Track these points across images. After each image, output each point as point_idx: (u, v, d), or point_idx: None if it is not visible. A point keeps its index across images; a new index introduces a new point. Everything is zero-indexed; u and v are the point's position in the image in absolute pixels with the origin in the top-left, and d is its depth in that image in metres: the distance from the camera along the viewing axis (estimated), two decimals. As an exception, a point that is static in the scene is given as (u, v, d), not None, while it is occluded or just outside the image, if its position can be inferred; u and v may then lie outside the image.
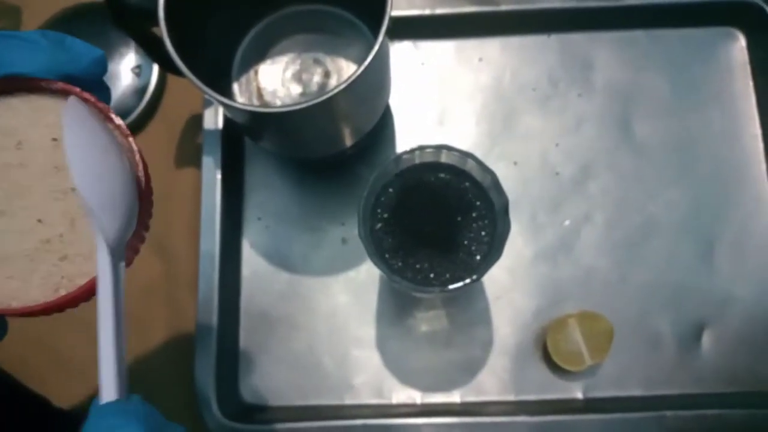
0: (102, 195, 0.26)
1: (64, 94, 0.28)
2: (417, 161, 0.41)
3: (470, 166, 0.40)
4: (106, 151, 0.27)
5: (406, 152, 0.40)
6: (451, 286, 0.38)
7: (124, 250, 0.29)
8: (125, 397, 0.25)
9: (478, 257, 0.40)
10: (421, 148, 0.40)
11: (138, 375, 0.51)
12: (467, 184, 0.41)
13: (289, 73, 0.49)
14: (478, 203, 0.40)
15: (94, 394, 0.51)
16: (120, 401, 0.24)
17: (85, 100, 0.28)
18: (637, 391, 0.49)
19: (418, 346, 0.50)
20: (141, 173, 0.30)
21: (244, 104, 0.47)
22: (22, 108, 0.28)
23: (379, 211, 0.41)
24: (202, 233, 0.50)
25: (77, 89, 0.28)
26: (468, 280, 0.38)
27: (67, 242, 0.28)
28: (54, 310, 0.29)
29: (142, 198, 0.30)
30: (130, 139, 0.29)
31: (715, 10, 0.54)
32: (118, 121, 0.29)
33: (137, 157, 0.30)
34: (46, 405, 0.51)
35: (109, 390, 0.25)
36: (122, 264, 0.28)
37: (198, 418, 0.48)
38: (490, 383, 0.49)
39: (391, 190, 0.41)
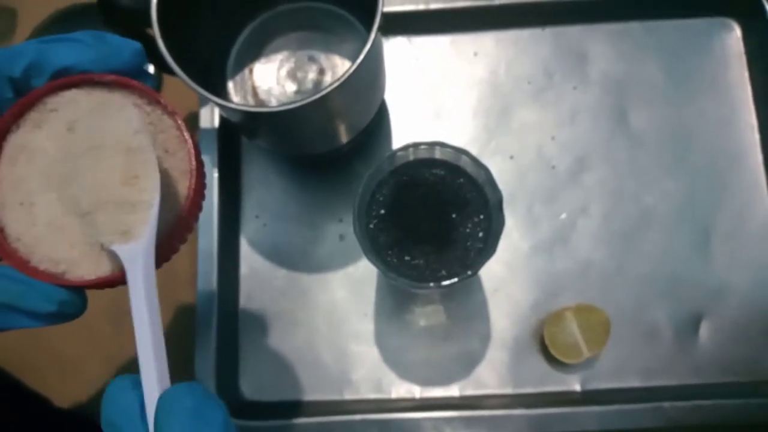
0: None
1: (117, 84, 0.29)
2: (411, 158, 0.41)
3: (464, 162, 0.40)
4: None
5: (400, 149, 0.40)
6: (446, 282, 0.38)
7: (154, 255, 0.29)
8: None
9: (473, 253, 0.40)
10: (416, 144, 0.40)
11: (135, 372, 0.52)
12: (462, 180, 0.41)
13: (284, 71, 0.49)
14: (472, 199, 0.40)
15: (94, 394, 0.52)
16: (191, 383, 0.24)
17: (134, 87, 0.29)
18: (634, 383, 0.49)
19: (417, 340, 0.50)
20: (193, 165, 0.30)
21: (238, 104, 0.47)
22: (83, 100, 0.29)
23: (374, 208, 0.41)
24: (200, 231, 0.50)
25: (127, 78, 0.29)
26: (463, 276, 0.38)
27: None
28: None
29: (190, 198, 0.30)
30: (179, 121, 0.30)
31: (710, 1, 0.54)
32: (165, 102, 0.30)
33: (190, 148, 0.30)
34: (46, 405, 0.51)
35: (163, 380, 0.26)
36: (153, 269, 0.29)
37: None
38: (489, 377, 0.50)
39: (386, 187, 0.41)
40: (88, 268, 0.29)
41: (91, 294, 0.54)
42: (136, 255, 0.27)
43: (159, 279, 0.53)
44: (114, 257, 0.28)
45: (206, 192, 0.49)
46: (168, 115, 0.30)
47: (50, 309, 0.28)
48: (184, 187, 0.30)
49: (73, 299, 0.29)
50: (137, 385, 0.25)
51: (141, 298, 0.28)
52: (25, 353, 0.52)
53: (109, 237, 0.28)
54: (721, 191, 0.52)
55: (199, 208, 0.31)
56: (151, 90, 0.30)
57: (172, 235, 0.30)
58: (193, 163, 0.30)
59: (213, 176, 0.51)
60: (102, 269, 0.29)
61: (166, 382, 0.25)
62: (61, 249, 0.29)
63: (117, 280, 0.29)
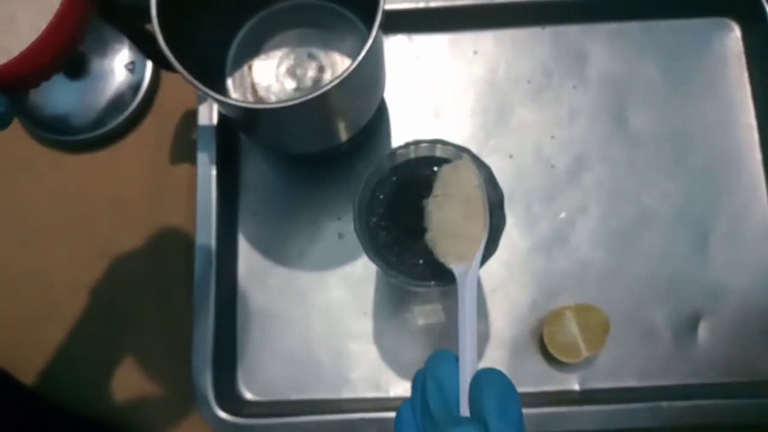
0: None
1: None
2: (412, 156, 0.41)
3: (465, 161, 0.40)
4: None
5: (400, 147, 0.40)
6: (446, 281, 0.38)
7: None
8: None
9: (473, 251, 0.40)
10: (416, 142, 0.40)
11: (135, 371, 0.52)
12: (463, 178, 0.41)
13: (283, 68, 0.49)
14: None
15: (93, 394, 0.52)
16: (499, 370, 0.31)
17: None
18: (633, 382, 0.49)
19: (415, 339, 0.50)
20: None
21: (236, 100, 0.47)
22: None
23: (374, 206, 0.41)
24: (198, 229, 0.50)
25: None
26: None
27: None
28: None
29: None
30: None
31: (710, 1, 0.54)
32: None
33: None
34: (46, 405, 0.51)
35: (474, 362, 0.32)
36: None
37: (196, 413, 0.48)
38: (487, 376, 0.49)
39: (386, 185, 0.41)
40: None
41: (89, 292, 0.54)
42: (466, 272, 0.37)
43: (155, 276, 0.53)
44: (7, 50, 0.32)
45: (204, 189, 0.50)
46: None
47: None
48: None
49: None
50: (457, 360, 0.32)
51: (466, 302, 0.36)
52: (24, 353, 0.52)
53: (448, 258, 0.38)
54: (719, 191, 0.52)
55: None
56: None
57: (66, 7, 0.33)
58: None
59: (211, 173, 0.51)
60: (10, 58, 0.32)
61: (476, 364, 0.32)
62: None
63: (27, 63, 0.32)
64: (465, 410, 0.30)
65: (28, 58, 0.32)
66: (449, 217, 0.38)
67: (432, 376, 0.31)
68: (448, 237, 0.38)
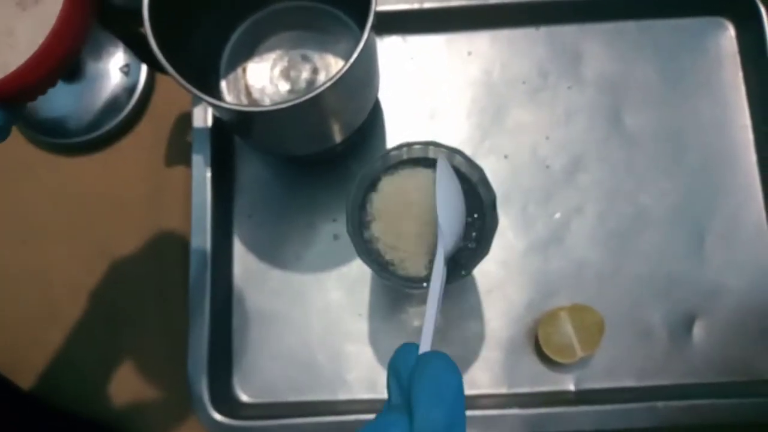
0: (450, 224, 0.37)
1: None
2: (405, 157, 0.41)
3: (458, 162, 0.40)
4: (457, 194, 0.39)
5: (394, 149, 0.40)
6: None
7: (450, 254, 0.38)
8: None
9: (467, 253, 0.40)
10: (409, 144, 0.40)
11: (133, 372, 0.52)
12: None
13: (277, 71, 0.49)
14: (466, 199, 0.40)
15: (92, 394, 0.52)
16: (439, 352, 0.30)
17: None
18: (628, 382, 0.49)
19: (411, 340, 0.50)
20: None
21: (230, 103, 0.47)
22: None
23: (367, 208, 0.41)
24: (193, 231, 0.50)
25: None
26: (457, 276, 0.38)
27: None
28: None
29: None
30: None
31: (705, 0, 0.54)
32: None
33: None
34: (46, 405, 0.51)
35: (427, 344, 0.33)
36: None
37: (191, 415, 0.48)
38: (483, 377, 0.49)
39: (378, 186, 0.41)
40: None
41: (84, 295, 0.54)
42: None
43: (151, 278, 0.53)
44: (17, 62, 0.32)
45: (199, 191, 0.50)
46: None
47: None
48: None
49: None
50: (416, 349, 0.32)
51: (436, 289, 0.35)
52: (23, 354, 0.52)
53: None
54: (715, 191, 0.52)
55: (80, 16, 0.34)
56: None
57: (64, 21, 0.33)
58: None
59: (206, 175, 0.51)
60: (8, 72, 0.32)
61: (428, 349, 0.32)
62: None
63: (26, 76, 0.32)
64: None
65: (26, 73, 0.32)
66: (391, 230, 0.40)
67: (391, 367, 0.31)
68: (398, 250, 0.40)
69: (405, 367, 0.30)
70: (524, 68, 0.55)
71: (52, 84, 0.35)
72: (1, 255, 0.55)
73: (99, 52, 0.56)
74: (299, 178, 0.54)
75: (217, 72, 0.49)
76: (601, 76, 0.55)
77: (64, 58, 0.34)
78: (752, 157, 0.53)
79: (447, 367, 0.28)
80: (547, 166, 0.53)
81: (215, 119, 0.52)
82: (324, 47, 0.49)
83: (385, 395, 0.49)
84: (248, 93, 0.48)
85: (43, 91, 0.34)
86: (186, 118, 0.54)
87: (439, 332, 0.50)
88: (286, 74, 0.48)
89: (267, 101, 0.48)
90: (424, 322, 0.34)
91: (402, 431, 0.26)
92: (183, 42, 0.42)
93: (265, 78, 0.49)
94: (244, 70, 0.49)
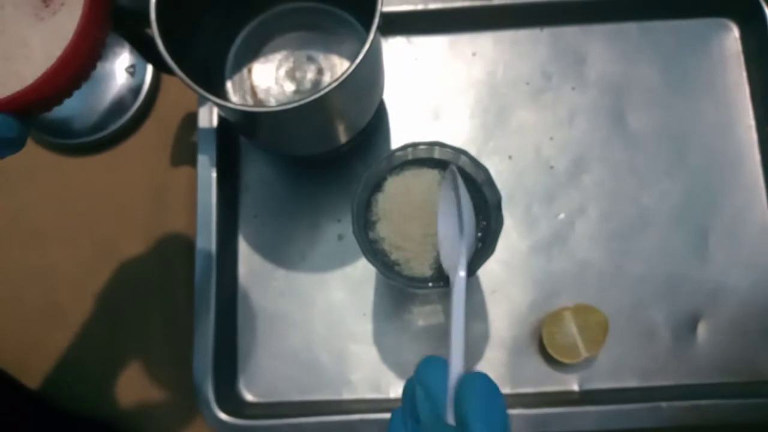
0: (469, 237, 0.37)
1: None
2: (410, 158, 0.41)
3: (463, 162, 0.41)
4: (468, 204, 0.38)
5: (399, 149, 0.40)
6: (444, 282, 0.38)
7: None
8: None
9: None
10: (415, 145, 0.40)
11: (138, 373, 0.52)
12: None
13: (282, 71, 0.49)
14: (471, 199, 0.40)
15: (93, 394, 0.53)
16: (483, 373, 0.31)
17: None
18: (632, 383, 0.49)
19: (415, 340, 0.50)
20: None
21: (236, 104, 0.47)
22: None
23: (372, 208, 0.41)
24: (199, 231, 0.50)
25: None
26: (462, 276, 0.38)
27: None
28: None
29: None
30: None
31: (708, 1, 0.54)
32: None
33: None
34: (46, 405, 0.51)
35: (459, 362, 0.32)
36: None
37: (198, 415, 0.48)
38: (487, 376, 0.50)
39: (384, 187, 0.41)
40: (12, 88, 0.32)
41: (90, 294, 0.54)
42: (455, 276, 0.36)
43: (156, 278, 0.54)
44: (33, 74, 0.32)
45: (205, 192, 0.50)
46: None
47: None
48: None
49: (8, 122, 0.32)
50: (446, 364, 0.31)
51: (455, 306, 0.35)
52: (24, 354, 0.52)
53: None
54: (718, 192, 0.52)
55: (97, 29, 0.34)
56: None
57: (82, 36, 0.32)
58: None
59: (211, 176, 0.51)
60: (24, 84, 0.32)
61: (462, 367, 0.32)
62: None
63: (43, 90, 0.32)
64: (452, 417, 0.30)
65: (43, 86, 0.32)
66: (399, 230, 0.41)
67: (420, 382, 0.31)
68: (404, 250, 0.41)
69: (436, 383, 0.30)
70: (528, 69, 0.55)
71: (69, 95, 0.34)
72: (6, 255, 0.55)
73: (105, 52, 0.56)
74: (304, 179, 0.54)
75: (222, 73, 0.49)
76: (604, 77, 0.55)
77: (81, 71, 0.34)
78: (756, 157, 0.53)
79: (496, 390, 0.30)
80: (551, 167, 0.53)
81: (221, 120, 0.52)
82: (329, 48, 0.49)
83: (389, 395, 0.49)
84: (254, 93, 0.49)
85: (59, 103, 0.34)
86: (191, 119, 0.54)
87: (443, 332, 0.50)
88: (291, 75, 0.49)
89: (272, 102, 0.49)
90: (452, 340, 0.33)
91: None
92: (189, 43, 0.42)
93: (270, 79, 0.49)
94: (249, 71, 0.49)
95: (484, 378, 0.30)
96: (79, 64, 0.33)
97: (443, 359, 0.32)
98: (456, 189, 0.37)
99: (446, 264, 0.38)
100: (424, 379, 0.31)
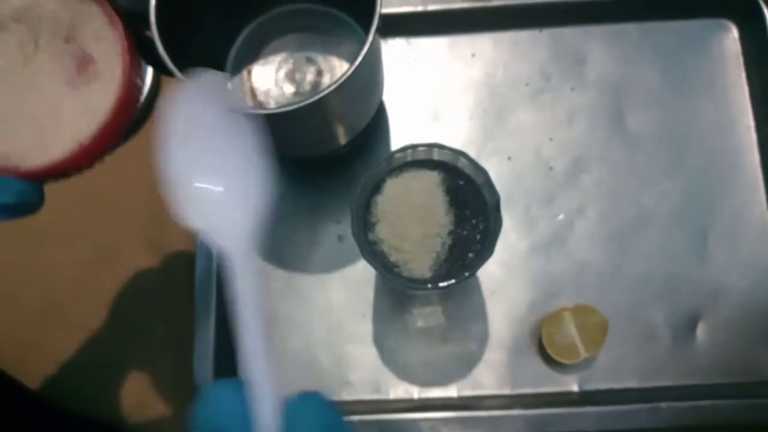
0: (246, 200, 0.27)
1: None
2: (409, 159, 0.41)
3: (462, 164, 0.41)
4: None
5: (398, 151, 0.40)
6: (443, 284, 0.38)
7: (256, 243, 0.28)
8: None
9: (471, 254, 0.40)
10: (414, 146, 0.40)
11: (136, 373, 0.52)
12: (460, 181, 0.41)
13: (282, 73, 0.49)
14: (470, 201, 0.41)
15: (93, 395, 0.52)
16: (315, 395, 0.23)
17: None
18: (632, 383, 0.49)
19: (415, 341, 0.51)
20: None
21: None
22: None
23: (371, 209, 0.41)
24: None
25: None
26: (461, 277, 0.38)
27: None
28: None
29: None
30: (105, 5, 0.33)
31: (707, 2, 0.55)
32: None
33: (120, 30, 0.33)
34: (46, 406, 0.51)
35: (268, 385, 0.23)
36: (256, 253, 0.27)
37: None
38: (487, 377, 0.50)
39: (383, 188, 0.41)
40: (36, 158, 0.32)
41: (90, 295, 0.54)
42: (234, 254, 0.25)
43: (157, 280, 0.53)
44: (59, 146, 0.31)
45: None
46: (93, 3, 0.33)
47: (10, 201, 0.30)
48: (118, 69, 0.32)
49: (30, 189, 0.31)
50: (241, 389, 0.23)
51: (240, 297, 0.25)
52: (24, 355, 0.53)
53: None
54: (718, 192, 0.52)
55: (136, 86, 0.34)
56: None
57: (113, 117, 0.32)
58: (125, 42, 0.32)
59: (211, 178, 0.51)
60: (49, 156, 0.32)
61: (274, 393, 0.23)
62: (8, 142, 0.31)
63: (67, 165, 0.32)
64: None
65: (66, 163, 0.32)
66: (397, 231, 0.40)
67: (207, 424, 0.22)
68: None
69: (238, 423, 0.21)
70: (527, 70, 0.55)
71: (90, 167, 0.34)
72: (5, 257, 0.55)
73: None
74: (303, 180, 0.54)
75: (222, 74, 0.49)
76: (603, 78, 0.55)
77: (105, 150, 0.34)
78: (755, 157, 0.53)
79: (336, 418, 0.22)
80: (551, 168, 0.53)
81: (220, 121, 0.52)
82: (329, 50, 0.49)
83: (389, 396, 0.50)
84: (253, 95, 0.49)
85: (80, 172, 0.34)
86: (191, 120, 0.54)
87: (443, 332, 0.50)
88: (291, 77, 0.49)
89: (272, 104, 0.49)
90: (248, 355, 0.23)
91: None
92: (189, 44, 0.42)
93: (270, 80, 0.49)
94: (249, 73, 0.49)
95: (318, 405, 0.22)
96: (104, 146, 0.33)
97: (234, 382, 0.23)
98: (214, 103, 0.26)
99: (215, 235, 0.26)
100: (215, 420, 0.22)
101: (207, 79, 0.28)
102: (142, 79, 0.35)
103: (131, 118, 0.35)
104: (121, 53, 0.33)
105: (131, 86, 0.33)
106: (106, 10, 0.33)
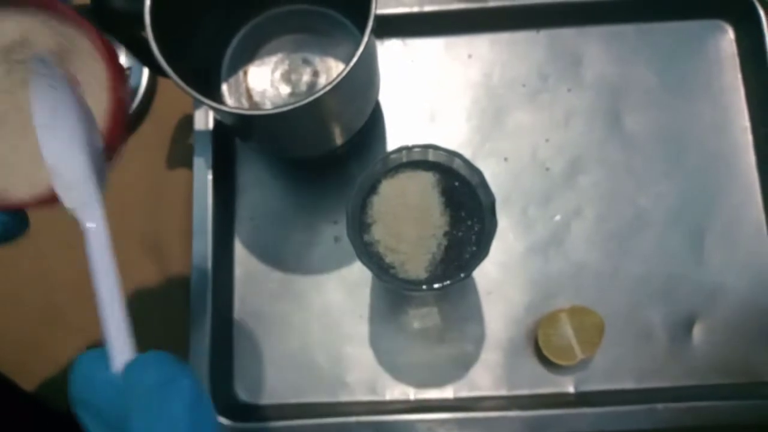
0: (94, 161, 0.28)
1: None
2: (405, 160, 0.41)
3: (458, 165, 0.41)
4: (86, 119, 0.29)
5: (393, 152, 0.40)
6: (439, 285, 0.38)
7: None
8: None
9: (466, 255, 0.40)
10: (409, 147, 0.40)
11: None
12: (455, 182, 0.41)
13: (278, 74, 0.49)
14: (465, 202, 0.40)
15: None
16: (155, 353, 0.23)
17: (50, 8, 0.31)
18: (628, 384, 0.49)
19: (411, 342, 0.50)
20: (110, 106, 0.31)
21: (231, 107, 0.47)
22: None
23: (367, 210, 0.41)
24: (195, 234, 0.50)
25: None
26: (457, 278, 0.38)
27: None
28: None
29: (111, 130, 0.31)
30: (94, 35, 0.32)
31: (704, 3, 0.55)
32: (78, 18, 0.31)
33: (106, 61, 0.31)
34: (45, 407, 0.51)
35: (124, 347, 0.24)
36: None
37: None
38: (483, 378, 0.50)
39: (379, 189, 0.41)
40: (25, 190, 0.31)
41: (86, 297, 0.54)
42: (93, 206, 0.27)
43: (152, 280, 0.53)
44: (46, 177, 0.30)
45: (201, 194, 0.50)
46: (79, 30, 0.32)
47: None
48: (105, 98, 0.31)
49: (14, 220, 0.31)
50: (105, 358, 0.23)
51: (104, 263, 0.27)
52: (23, 356, 0.52)
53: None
54: (714, 193, 0.52)
55: (124, 113, 0.33)
56: (65, 9, 0.31)
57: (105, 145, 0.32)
58: (111, 72, 0.31)
59: (208, 178, 0.51)
60: (38, 190, 0.31)
61: (130, 351, 0.23)
62: None
63: (55, 198, 0.31)
64: None
65: (47, 201, 0.31)
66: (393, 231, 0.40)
67: (78, 401, 0.22)
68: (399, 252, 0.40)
69: (105, 397, 0.22)
70: (524, 71, 0.55)
71: None
72: (5, 259, 0.55)
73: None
74: (300, 181, 0.54)
75: (218, 75, 0.49)
76: (600, 79, 0.55)
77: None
78: (751, 158, 0.53)
79: (171, 376, 0.21)
80: (547, 169, 0.53)
81: (216, 122, 0.52)
82: (325, 50, 0.49)
83: (385, 397, 0.50)
84: (249, 96, 0.49)
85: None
86: (187, 121, 0.54)
87: (439, 333, 0.50)
88: (287, 77, 0.49)
89: (268, 104, 0.49)
90: (105, 317, 0.24)
91: None
92: (184, 45, 0.42)
93: (266, 81, 0.49)
94: (245, 74, 0.49)
95: (155, 361, 0.21)
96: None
97: (103, 352, 0.24)
98: (56, 86, 0.28)
99: (69, 203, 0.29)
100: (81, 396, 0.23)
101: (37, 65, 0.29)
102: (128, 92, 0.35)
103: (124, 136, 0.34)
104: (106, 76, 0.32)
105: (119, 107, 0.32)
106: (90, 35, 0.32)
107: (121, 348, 0.24)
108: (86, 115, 0.29)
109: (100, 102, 0.32)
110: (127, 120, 0.33)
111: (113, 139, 0.32)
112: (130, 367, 0.23)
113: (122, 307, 0.26)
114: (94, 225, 0.28)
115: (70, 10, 0.31)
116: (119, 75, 0.32)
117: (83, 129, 0.28)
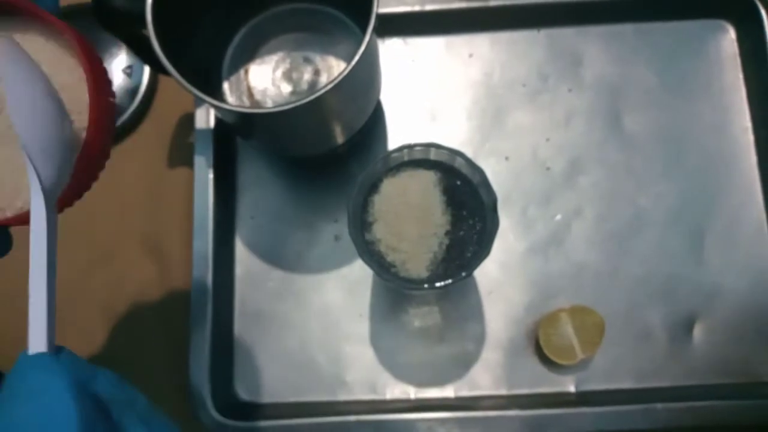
0: (39, 140, 0.28)
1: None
2: (406, 159, 0.41)
3: (459, 164, 0.41)
4: (46, 96, 0.29)
5: (395, 150, 0.40)
6: (440, 284, 0.38)
7: (56, 199, 0.30)
8: (54, 350, 0.25)
9: (468, 254, 0.40)
10: (410, 146, 0.40)
11: (132, 373, 0.52)
12: (457, 181, 0.41)
13: (279, 72, 0.49)
14: (467, 201, 0.40)
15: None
16: (48, 355, 0.23)
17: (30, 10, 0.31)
18: (628, 384, 0.49)
19: (412, 341, 0.50)
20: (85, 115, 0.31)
21: (232, 105, 0.47)
22: None
23: (368, 209, 0.41)
24: (195, 232, 0.50)
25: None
26: (458, 277, 0.38)
27: None
28: None
29: (86, 147, 0.31)
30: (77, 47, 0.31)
31: (704, 3, 0.55)
32: (63, 30, 0.31)
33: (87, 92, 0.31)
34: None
35: (38, 340, 0.24)
36: (54, 211, 0.29)
37: (193, 415, 0.48)
38: (484, 378, 0.50)
39: (380, 188, 0.41)
40: (7, 208, 0.33)
41: (87, 296, 0.54)
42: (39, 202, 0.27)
43: (153, 279, 0.53)
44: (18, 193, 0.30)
45: (201, 193, 0.50)
46: (66, 41, 0.32)
47: None
48: (85, 99, 0.31)
49: None
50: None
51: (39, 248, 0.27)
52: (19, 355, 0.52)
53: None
54: (715, 193, 0.52)
55: (105, 131, 0.33)
56: (51, 18, 0.31)
57: (81, 163, 0.32)
58: (90, 90, 0.31)
59: (208, 177, 0.51)
60: (21, 205, 0.32)
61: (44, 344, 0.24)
62: None
63: (17, 222, 0.32)
64: None
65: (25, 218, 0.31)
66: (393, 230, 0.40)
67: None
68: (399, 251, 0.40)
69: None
70: (524, 71, 0.55)
71: (71, 205, 0.35)
72: (4, 258, 0.55)
73: (101, 54, 0.56)
74: (301, 180, 0.54)
75: (219, 74, 0.49)
76: (601, 79, 0.55)
77: (89, 181, 0.34)
78: (752, 158, 0.53)
79: (47, 378, 0.20)
80: (548, 168, 0.53)
81: (217, 121, 0.52)
82: (326, 49, 0.49)
83: (385, 396, 0.50)
84: (250, 95, 0.49)
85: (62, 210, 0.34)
86: (188, 120, 0.54)
87: (439, 333, 0.50)
88: (288, 76, 0.49)
89: (269, 103, 0.49)
90: (30, 307, 0.23)
91: None
92: (185, 44, 0.42)
93: (267, 80, 0.49)
94: (246, 72, 0.49)
95: (38, 365, 0.21)
96: (84, 181, 0.34)
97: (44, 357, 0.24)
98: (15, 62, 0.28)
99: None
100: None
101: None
102: (113, 95, 0.34)
103: (109, 144, 0.34)
104: (86, 85, 0.31)
105: (100, 117, 0.32)
106: (70, 43, 0.32)
107: (36, 342, 0.24)
108: (51, 96, 0.29)
109: (79, 100, 0.32)
110: (110, 120, 0.33)
111: (95, 135, 0.32)
112: (20, 361, 0.23)
113: (48, 299, 0.26)
114: (33, 208, 0.28)
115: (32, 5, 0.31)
116: (96, 72, 0.32)
117: (44, 105, 0.28)
